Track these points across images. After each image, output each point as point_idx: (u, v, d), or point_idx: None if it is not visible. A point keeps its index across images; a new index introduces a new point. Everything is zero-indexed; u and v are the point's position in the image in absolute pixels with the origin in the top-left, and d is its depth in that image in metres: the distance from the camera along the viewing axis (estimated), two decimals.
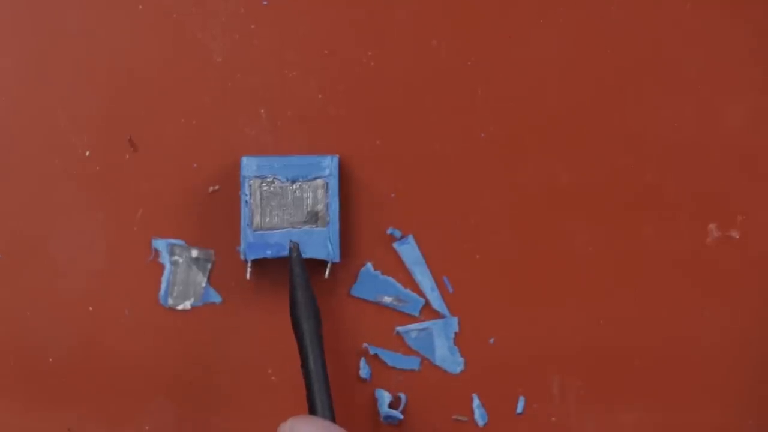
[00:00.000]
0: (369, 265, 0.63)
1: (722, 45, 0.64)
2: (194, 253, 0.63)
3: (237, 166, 0.62)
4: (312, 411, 0.57)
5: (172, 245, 0.63)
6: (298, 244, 0.61)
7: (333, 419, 0.57)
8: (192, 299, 0.63)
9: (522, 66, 0.64)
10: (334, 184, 0.62)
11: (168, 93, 0.63)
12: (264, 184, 0.61)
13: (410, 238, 0.63)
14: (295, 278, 0.59)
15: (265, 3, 0.63)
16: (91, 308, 0.63)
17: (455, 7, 0.63)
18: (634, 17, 0.64)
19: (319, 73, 0.63)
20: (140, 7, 0.63)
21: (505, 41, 0.64)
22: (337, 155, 0.62)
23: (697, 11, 0.64)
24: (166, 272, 0.63)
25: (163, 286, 0.63)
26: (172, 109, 0.63)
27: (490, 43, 0.63)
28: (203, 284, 0.63)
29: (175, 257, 0.63)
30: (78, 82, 0.63)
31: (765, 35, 0.64)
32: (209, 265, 0.63)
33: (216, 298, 0.63)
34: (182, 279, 0.63)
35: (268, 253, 0.61)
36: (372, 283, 0.63)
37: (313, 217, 0.61)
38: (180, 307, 0.63)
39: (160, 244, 0.63)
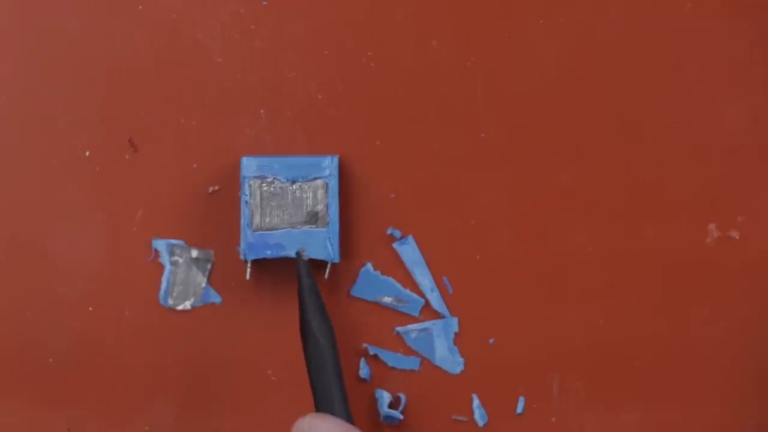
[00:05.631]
0: (369, 265, 0.63)
1: (722, 45, 0.64)
2: (194, 253, 0.63)
3: (237, 166, 0.62)
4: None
5: (172, 245, 0.63)
6: (303, 251, 0.60)
7: (352, 422, 0.57)
8: (192, 299, 0.63)
9: (522, 66, 0.64)
10: (334, 184, 0.62)
11: (168, 93, 0.63)
12: (264, 185, 0.61)
13: (410, 239, 0.63)
14: (303, 284, 0.59)
15: (265, 3, 0.63)
16: (91, 308, 0.63)
17: (455, 7, 0.63)
18: (634, 18, 0.64)
19: (318, 73, 0.63)
20: (140, 7, 0.63)
21: (505, 41, 0.63)
22: (337, 156, 0.62)
23: (697, 11, 0.64)
24: (166, 272, 0.63)
25: (163, 286, 0.63)
26: (172, 109, 0.63)
27: (490, 43, 0.63)
28: (203, 284, 0.63)
29: (175, 257, 0.63)
30: (78, 82, 0.63)
31: (765, 35, 0.64)
32: (209, 266, 0.63)
33: (216, 298, 0.63)
34: (182, 279, 0.63)
35: (268, 254, 0.61)
36: (372, 284, 0.63)
37: (313, 218, 0.61)
38: (180, 308, 0.63)
39: (160, 244, 0.63)
